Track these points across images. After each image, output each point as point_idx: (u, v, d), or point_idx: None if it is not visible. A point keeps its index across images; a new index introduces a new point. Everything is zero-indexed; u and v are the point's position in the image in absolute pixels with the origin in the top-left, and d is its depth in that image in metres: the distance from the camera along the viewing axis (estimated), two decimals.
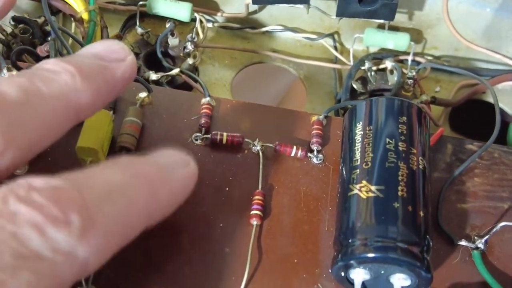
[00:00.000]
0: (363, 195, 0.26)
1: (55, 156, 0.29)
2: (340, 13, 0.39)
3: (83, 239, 0.17)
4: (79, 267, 0.18)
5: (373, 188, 0.26)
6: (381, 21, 0.41)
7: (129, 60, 0.24)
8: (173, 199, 0.23)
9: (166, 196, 0.22)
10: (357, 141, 0.28)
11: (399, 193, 0.26)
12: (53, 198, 0.18)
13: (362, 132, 0.28)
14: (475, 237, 0.29)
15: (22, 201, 0.17)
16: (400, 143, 0.27)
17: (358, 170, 0.27)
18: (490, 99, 0.44)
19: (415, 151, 0.27)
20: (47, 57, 0.36)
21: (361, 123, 0.29)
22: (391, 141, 0.27)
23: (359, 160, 0.27)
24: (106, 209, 0.19)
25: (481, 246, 0.29)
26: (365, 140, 0.28)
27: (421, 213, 0.26)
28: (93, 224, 0.18)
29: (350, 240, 0.25)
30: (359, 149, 0.28)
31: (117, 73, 0.23)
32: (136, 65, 0.24)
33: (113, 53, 0.24)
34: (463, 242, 0.29)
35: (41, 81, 0.21)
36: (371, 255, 0.24)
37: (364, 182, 0.26)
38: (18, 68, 0.31)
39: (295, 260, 0.28)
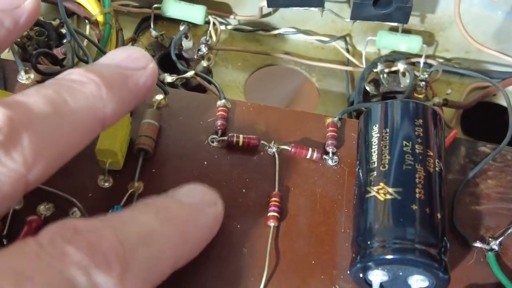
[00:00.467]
0: (381, 197, 0.26)
1: (75, 159, 0.29)
2: (354, 16, 0.39)
3: (121, 283, 0.18)
4: None
5: (390, 190, 0.26)
6: (394, 24, 0.42)
7: (151, 68, 0.24)
8: (200, 241, 0.24)
9: (194, 239, 0.23)
10: (373, 144, 0.29)
11: (417, 195, 0.26)
12: (96, 242, 0.19)
13: (378, 135, 0.29)
14: (490, 239, 0.29)
15: (68, 243, 0.18)
16: (417, 146, 0.28)
17: (375, 172, 0.27)
18: (501, 101, 0.44)
19: (431, 153, 0.28)
20: (64, 59, 0.37)
21: (377, 125, 0.29)
22: (408, 144, 0.28)
23: (376, 162, 0.28)
24: (141, 254, 0.20)
25: (495, 247, 0.29)
26: (382, 142, 0.28)
27: (438, 215, 0.26)
28: (129, 269, 0.19)
29: (368, 242, 0.26)
30: (376, 152, 0.28)
31: (139, 82, 0.24)
32: (157, 72, 0.25)
33: (135, 61, 0.24)
34: (477, 244, 0.29)
35: (68, 92, 0.21)
36: (389, 257, 0.25)
37: (382, 184, 0.27)
38: (39, 71, 0.31)
39: (312, 261, 0.28)
